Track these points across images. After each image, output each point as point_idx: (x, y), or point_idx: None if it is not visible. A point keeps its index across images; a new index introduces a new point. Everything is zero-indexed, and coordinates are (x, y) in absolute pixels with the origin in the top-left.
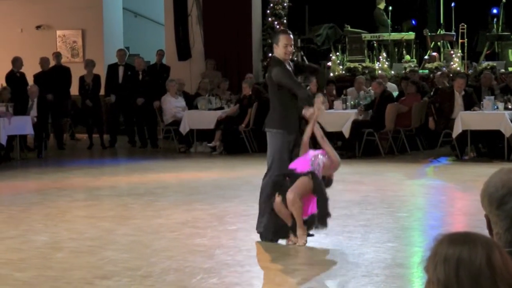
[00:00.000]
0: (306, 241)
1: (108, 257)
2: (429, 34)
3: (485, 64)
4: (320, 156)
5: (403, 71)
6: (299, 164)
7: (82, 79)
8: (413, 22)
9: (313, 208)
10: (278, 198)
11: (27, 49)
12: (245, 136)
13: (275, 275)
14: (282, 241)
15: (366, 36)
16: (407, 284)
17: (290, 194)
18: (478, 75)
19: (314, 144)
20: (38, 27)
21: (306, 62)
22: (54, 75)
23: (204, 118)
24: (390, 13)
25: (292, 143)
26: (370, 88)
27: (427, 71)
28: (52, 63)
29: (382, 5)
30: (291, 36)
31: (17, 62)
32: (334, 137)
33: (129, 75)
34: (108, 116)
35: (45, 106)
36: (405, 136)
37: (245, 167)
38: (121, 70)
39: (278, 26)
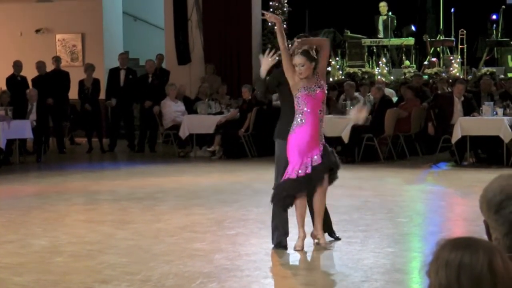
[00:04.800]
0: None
1: (107, 261)
2: (429, 39)
3: (484, 69)
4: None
5: (403, 77)
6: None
7: (81, 83)
8: (413, 27)
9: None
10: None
11: (26, 53)
12: (244, 141)
13: (275, 280)
14: (289, 245)
15: (366, 41)
16: None
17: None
18: (477, 81)
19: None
20: (37, 30)
21: None
22: (53, 79)
23: (203, 122)
24: (389, 18)
25: None
26: (358, 93)
27: (426, 76)
28: (52, 67)
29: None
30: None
31: (18, 65)
32: (333, 142)
33: (130, 78)
34: (108, 120)
35: (45, 110)
36: (404, 142)
37: (245, 171)
38: (122, 74)
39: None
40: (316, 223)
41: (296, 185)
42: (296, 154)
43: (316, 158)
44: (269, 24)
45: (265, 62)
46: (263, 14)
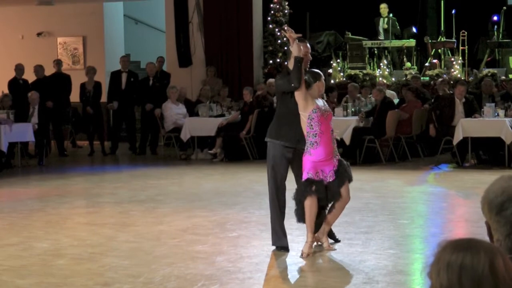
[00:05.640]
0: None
1: (109, 264)
2: (430, 41)
3: (485, 71)
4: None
5: (404, 78)
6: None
7: (83, 86)
8: (414, 29)
9: None
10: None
11: (28, 56)
12: (246, 143)
13: (276, 282)
14: (290, 247)
15: (367, 43)
16: None
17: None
18: (478, 82)
19: None
20: (39, 34)
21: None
22: (54, 83)
23: (205, 125)
24: (389, 20)
25: (291, 157)
26: (360, 95)
27: (427, 78)
28: (53, 70)
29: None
30: (308, 45)
31: (19, 69)
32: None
33: (132, 81)
34: (110, 123)
35: (45, 113)
36: (405, 143)
37: (246, 174)
38: (124, 76)
39: (279, 33)
40: (322, 228)
41: (307, 184)
42: (312, 170)
43: (331, 175)
44: (270, 26)
45: (292, 39)
46: (284, 29)
